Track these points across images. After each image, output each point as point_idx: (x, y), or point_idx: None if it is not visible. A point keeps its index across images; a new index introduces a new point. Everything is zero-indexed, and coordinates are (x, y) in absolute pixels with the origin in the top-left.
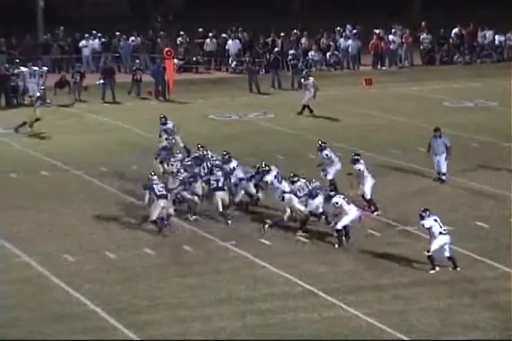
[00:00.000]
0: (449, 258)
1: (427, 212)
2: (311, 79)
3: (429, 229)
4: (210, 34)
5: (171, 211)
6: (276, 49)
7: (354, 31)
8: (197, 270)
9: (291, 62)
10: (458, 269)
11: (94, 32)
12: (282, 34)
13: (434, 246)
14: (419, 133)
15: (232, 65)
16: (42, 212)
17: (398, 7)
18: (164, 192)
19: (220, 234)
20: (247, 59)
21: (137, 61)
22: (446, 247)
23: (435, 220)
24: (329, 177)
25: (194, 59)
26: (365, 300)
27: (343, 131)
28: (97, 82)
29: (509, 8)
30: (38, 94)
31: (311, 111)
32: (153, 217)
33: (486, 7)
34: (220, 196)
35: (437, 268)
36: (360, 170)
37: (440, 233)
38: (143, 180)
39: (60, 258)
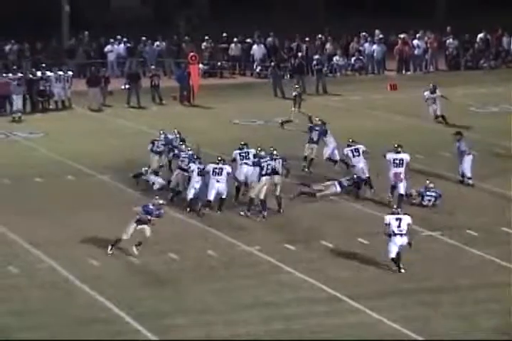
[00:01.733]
0: None
1: None
2: (438, 92)
3: None
4: (235, 39)
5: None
6: (300, 54)
7: (380, 36)
8: (221, 275)
9: (316, 67)
10: None
11: (119, 37)
12: (307, 39)
13: None
14: (445, 138)
15: (257, 70)
16: (67, 216)
17: (424, 11)
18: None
19: (244, 238)
20: (272, 64)
21: (153, 67)
22: None
23: None
24: (325, 156)
25: (219, 64)
26: (389, 306)
27: (367, 135)
28: (122, 87)
29: None
30: (295, 92)
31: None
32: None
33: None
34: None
35: None
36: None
37: None
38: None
39: (85, 263)
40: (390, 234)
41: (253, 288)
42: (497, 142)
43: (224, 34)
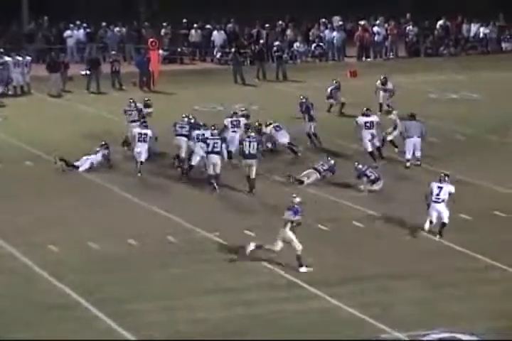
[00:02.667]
0: None
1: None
2: (390, 84)
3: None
4: (195, 25)
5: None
6: (261, 41)
7: (340, 23)
8: (181, 260)
9: (276, 53)
10: None
11: (78, 22)
12: (267, 25)
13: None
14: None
15: (217, 56)
16: (26, 202)
17: None
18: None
19: (204, 224)
20: (234, 50)
21: (113, 52)
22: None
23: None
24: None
25: (179, 50)
26: (349, 292)
27: (327, 121)
28: (82, 73)
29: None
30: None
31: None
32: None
33: None
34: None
35: None
36: None
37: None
38: (128, 170)
39: (45, 249)
40: (431, 201)
41: (213, 273)
42: (456, 129)
43: (184, 20)
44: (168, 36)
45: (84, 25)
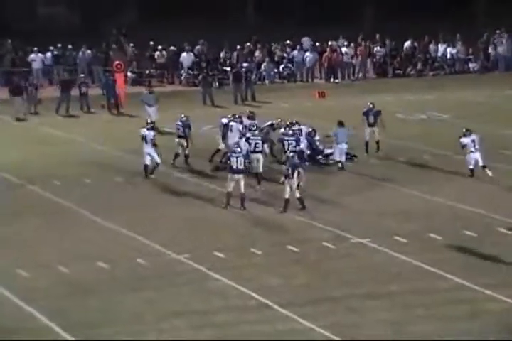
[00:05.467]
0: None
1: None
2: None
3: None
4: (159, 47)
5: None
6: (230, 62)
7: (311, 43)
8: (151, 283)
9: (245, 74)
10: None
11: (45, 45)
12: (239, 47)
13: None
14: (373, 144)
15: (185, 78)
16: None
17: (350, 18)
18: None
19: (174, 246)
20: (205, 71)
21: (82, 75)
22: None
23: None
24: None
25: (147, 72)
26: (320, 313)
27: None
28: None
29: (452, 19)
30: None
31: None
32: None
33: (436, 19)
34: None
35: None
36: None
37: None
38: (98, 193)
39: (13, 273)
40: (470, 152)
41: (183, 296)
42: (424, 149)
43: (151, 42)
44: (136, 58)
45: (51, 48)
